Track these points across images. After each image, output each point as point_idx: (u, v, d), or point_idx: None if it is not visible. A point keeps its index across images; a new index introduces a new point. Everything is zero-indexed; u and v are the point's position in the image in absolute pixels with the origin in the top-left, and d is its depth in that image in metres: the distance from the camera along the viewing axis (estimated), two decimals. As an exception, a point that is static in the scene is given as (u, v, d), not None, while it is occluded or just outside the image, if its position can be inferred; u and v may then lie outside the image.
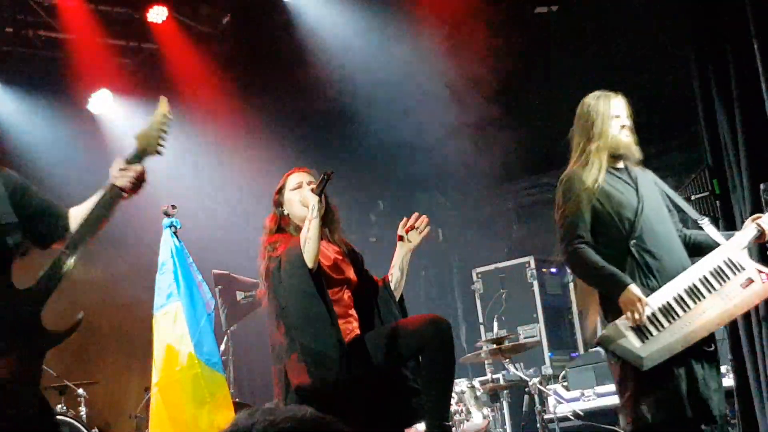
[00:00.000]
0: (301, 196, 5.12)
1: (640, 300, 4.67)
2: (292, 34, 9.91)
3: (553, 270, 10.73)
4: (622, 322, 4.71)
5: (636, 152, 5.09)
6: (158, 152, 3.95)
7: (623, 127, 5.07)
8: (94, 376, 9.36)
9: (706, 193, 7.07)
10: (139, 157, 3.91)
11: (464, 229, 11.87)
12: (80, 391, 8.69)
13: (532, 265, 10.50)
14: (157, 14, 9.73)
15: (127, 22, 9.96)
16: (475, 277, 10.85)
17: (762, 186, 6.09)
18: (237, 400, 7.24)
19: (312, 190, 4.99)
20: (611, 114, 5.06)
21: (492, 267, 10.76)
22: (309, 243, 4.82)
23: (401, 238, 5.37)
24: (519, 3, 9.91)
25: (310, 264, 4.82)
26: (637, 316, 4.66)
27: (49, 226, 3.99)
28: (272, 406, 2.04)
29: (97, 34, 9.72)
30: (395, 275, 5.33)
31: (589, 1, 9.67)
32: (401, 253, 5.34)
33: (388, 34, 9.87)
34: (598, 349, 8.83)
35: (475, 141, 10.59)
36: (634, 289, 4.69)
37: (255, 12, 9.94)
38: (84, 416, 8.50)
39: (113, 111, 10.24)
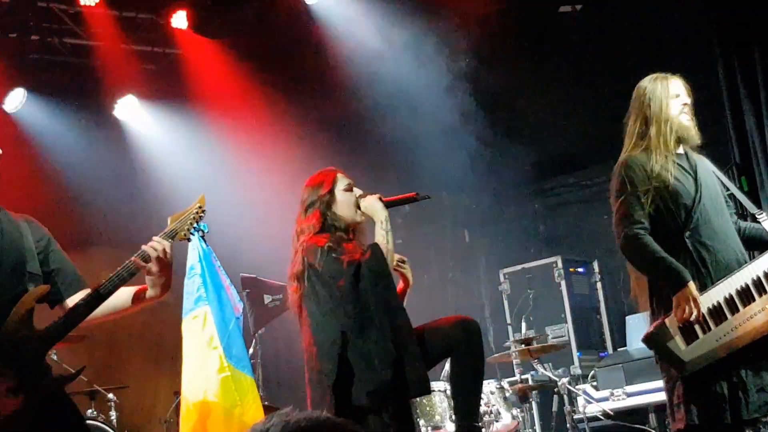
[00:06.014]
0: (365, 202, 5.09)
1: (696, 300, 4.53)
2: (315, 37, 9.91)
3: (581, 269, 10.68)
4: (670, 321, 4.57)
5: (696, 136, 4.88)
6: (188, 238, 4.12)
7: (685, 105, 4.87)
8: (124, 381, 9.39)
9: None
10: (170, 237, 4.04)
11: (490, 230, 11.83)
12: (110, 395, 8.72)
13: (560, 264, 10.46)
14: (181, 19, 9.75)
15: (152, 27, 10.00)
16: (502, 278, 10.83)
17: None
18: (266, 402, 7.25)
19: (382, 199, 5.05)
20: (671, 93, 4.86)
21: (519, 267, 10.74)
22: (390, 254, 4.89)
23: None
24: (543, 2, 9.88)
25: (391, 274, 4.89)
26: (687, 314, 4.52)
27: (64, 284, 4.08)
28: (288, 410, 2.07)
29: (121, 40, 9.78)
30: None
31: (613, -1, 9.63)
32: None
33: (411, 37, 9.87)
34: (627, 348, 8.82)
35: (500, 141, 10.57)
36: (693, 287, 4.53)
37: (278, 15, 9.95)
38: (114, 421, 8.53)
39: (139, 116, 10.28)
